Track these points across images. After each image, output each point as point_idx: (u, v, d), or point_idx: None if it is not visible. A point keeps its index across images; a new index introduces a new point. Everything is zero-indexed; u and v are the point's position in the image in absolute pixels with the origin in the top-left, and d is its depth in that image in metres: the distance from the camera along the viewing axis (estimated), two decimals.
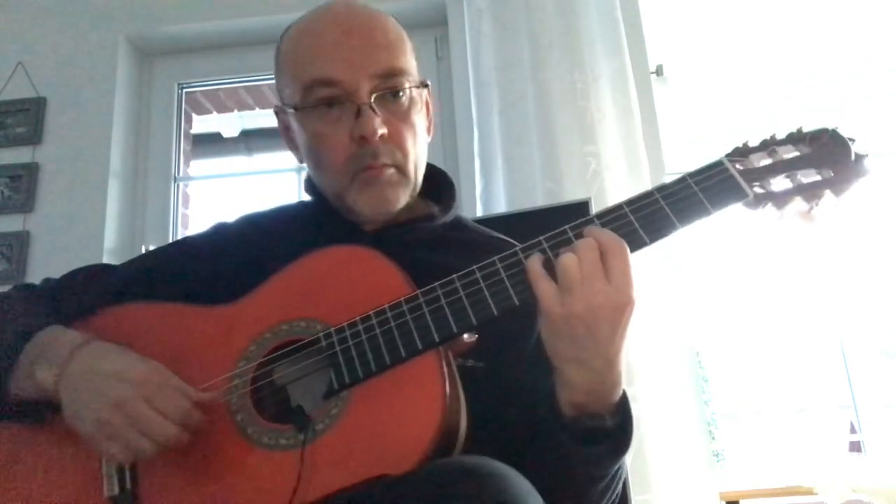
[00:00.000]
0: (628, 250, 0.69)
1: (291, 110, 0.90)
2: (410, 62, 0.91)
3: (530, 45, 1.79)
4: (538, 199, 1.67)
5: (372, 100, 0.85)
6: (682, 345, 1.65)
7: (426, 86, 0.94)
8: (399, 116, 0.88)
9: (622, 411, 0.74)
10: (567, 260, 0.68)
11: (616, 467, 0.76)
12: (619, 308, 0.68)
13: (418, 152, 0.91)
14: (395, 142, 0.87)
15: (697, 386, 1.69)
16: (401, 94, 0.88)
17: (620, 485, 0.80)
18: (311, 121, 0.88)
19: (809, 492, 1.85)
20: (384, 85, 0.86)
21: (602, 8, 1.84)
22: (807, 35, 2.15)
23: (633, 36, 1.89)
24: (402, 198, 0.90)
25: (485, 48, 1.85)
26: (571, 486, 0.74)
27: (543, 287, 0.69)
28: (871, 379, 2.23)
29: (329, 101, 0.86)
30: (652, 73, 1.96)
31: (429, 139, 0.96)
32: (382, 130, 0.84)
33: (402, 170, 0.88)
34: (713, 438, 2.44)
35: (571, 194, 1.65)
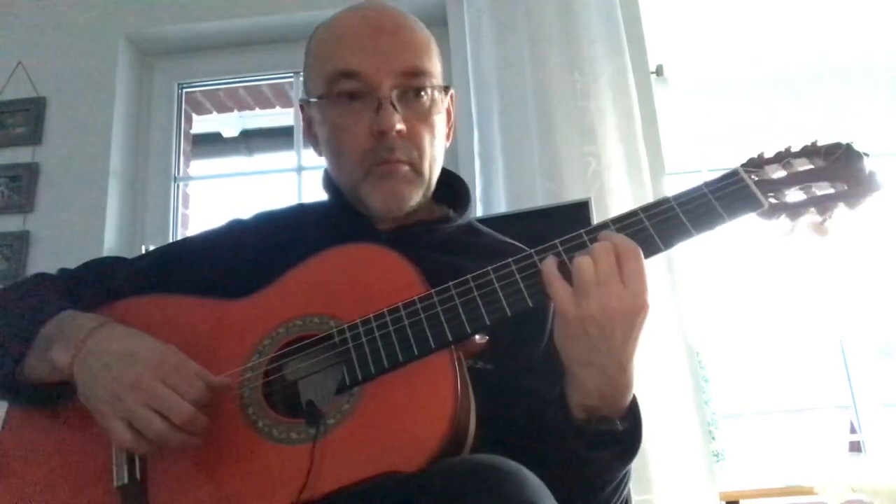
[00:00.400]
0: (643, 255, 0.70)
1: (315, 100, 0.92)
2: (435, 65, 0.92)
3: (530, 45, 1.79)
4: (538, 199, 1.67)
5: (393, 96, 0.86)
6: (683, 345, 1.65)
7: (448, 90, 0.95)
8: (419, 116, 0.89)
9: (632, 416, 0.74)
10: (583, 262, 0.69)
11: (624, 472, 0.76)
12: (634, 311, 0.68)
13: (434, 153, 0.91)
14: (413, 140, 0.88)
15: (697, 386, 1.68)
16: (423, 93, 0.89)
17: (627, 489, 0.80)
18: (333, 112, 0.90)
19: (809, 492, 1.85)
20: (407, 83, 0.87)
21: (602, 8, 1.84)
22: (807, 35, 2.15)
23: (633, 36, 1.89)
24: (415, 196, 0.90)
25: (485, 48, 1.85)
26: (579, 490, 0.74)
27: (558, 288, 0.70)
28: (870, 379, 2.23)
29: (351, 93, 0.87)
30: (652, 73, 1.96)
31: (447, 145, 0.97)
32: (401, 126, 0.85)
33: (416, 168, 0.89)
34: (713, 438, 2.45)
35: (571, 194, 1.64)
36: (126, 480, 0.74)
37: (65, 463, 0.79)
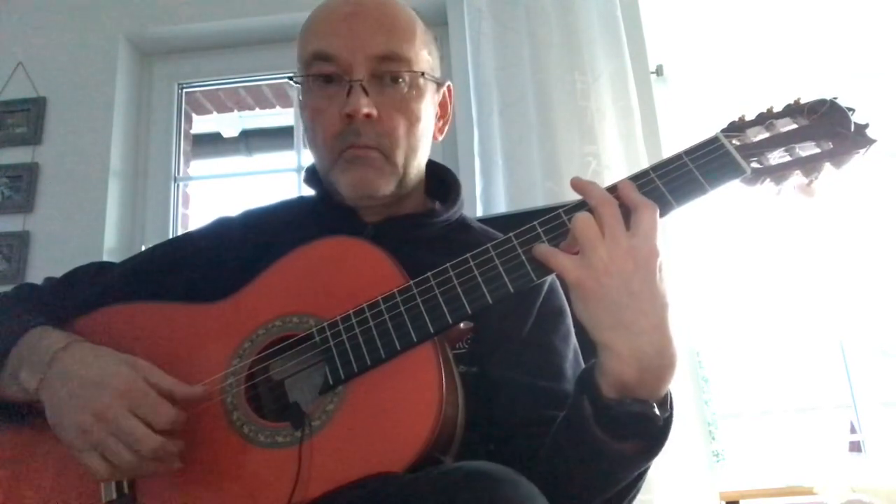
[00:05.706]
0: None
1: (296, 81, 0.91)
2: (418, 53, 0.89)
3: (530, 45, 1.79)
4: (538, 199, 1.67)
5: (366, 80, 0.84)
6: (682, 345, 1.65)
7: (437, 82, 0.92)
8: (395, 103, 0.86)
9: (667, 408, 0.68)
10: (582, 219, 0.67)
11: (638, 473, 0.71)
12: (647, 255, 0.65)
13: (412, 143, 0.88)
14: (385, 126, 0.85)
15: (697, 386, 1.69)
16: (400, 80, 0.86)
17: (637, 492, 0.76)
18: (310, 95, 0.89)
19: (809, 492, 1.85)
20: (381, 68, 0.85)
21: (602, 8, 1.84)
22: (807, 34, 2.15)
23: (633, 36, 1.89)
24: (385, 185, 0.87)
25: (485, 48, 1.85)
26: (585, 486, 0.71)
27: (561, 260, 0.67)
28: (870, 379, 2.23)
29: (326, 76, 0.87)
30: (652, 73, 1.96)
31: (438, 139, 0.95)
32: (368, 110, 0.83)
33: (387, 155, 0.86)
34: (713, 438, 2.45)
35: (571, 194, 1.61)
36: (114, 496, 0.73)
37: (51, 479, 0.78)
